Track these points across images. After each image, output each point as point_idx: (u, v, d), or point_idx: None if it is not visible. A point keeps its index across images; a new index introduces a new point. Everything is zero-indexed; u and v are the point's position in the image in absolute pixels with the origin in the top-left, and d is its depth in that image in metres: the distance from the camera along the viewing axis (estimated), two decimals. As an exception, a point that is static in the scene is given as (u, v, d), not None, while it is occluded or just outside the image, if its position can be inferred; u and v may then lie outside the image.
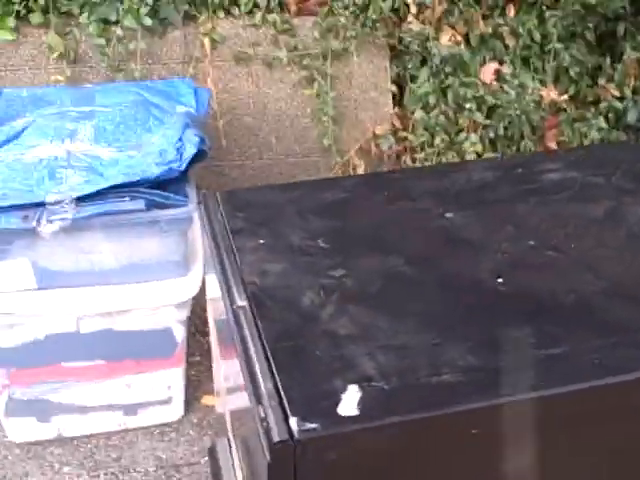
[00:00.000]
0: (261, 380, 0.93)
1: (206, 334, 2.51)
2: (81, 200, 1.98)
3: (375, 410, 0.90)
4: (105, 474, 2.28)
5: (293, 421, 0.87)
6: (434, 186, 1.34)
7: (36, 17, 2.78)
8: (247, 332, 1.01)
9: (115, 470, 2.28)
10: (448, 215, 1.24)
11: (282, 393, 0.92)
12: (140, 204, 2.01)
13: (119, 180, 2.00)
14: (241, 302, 1.00)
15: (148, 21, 2.82)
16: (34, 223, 1.94)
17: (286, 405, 0.90)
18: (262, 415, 0.88)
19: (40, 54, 2.84)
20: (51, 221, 1.96)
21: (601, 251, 1.18)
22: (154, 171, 2.04)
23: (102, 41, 2.80)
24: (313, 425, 0.86)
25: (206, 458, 2.19)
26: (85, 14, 2.78)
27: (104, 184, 1.99)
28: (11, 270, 2.09)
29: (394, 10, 3.09)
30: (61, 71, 2.83)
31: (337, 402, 0.90)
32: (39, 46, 2.83)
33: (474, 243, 1.18)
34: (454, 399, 0.91)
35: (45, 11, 2.79)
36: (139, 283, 2.15)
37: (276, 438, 0.85)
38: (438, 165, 2.83)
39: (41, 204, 1.98)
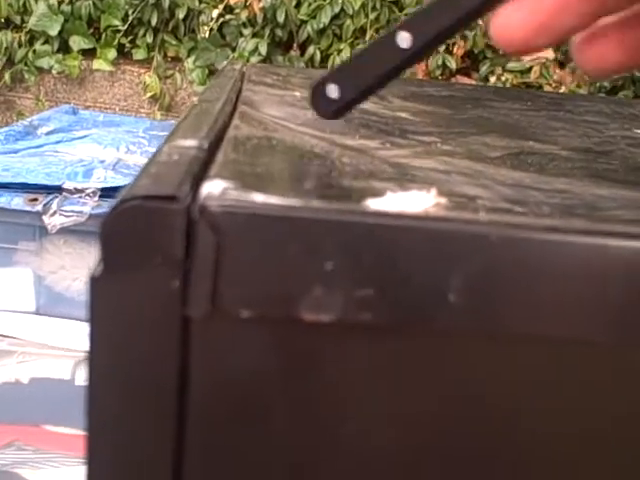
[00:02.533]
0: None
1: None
2: (107, 195, 1.54)
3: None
4: None
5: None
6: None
7: (140, 54, 2.50)
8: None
9: None
10: None
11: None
12: None
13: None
14: (189, 142, 0.43)
15: (258, 73, 2.47)
16: (40, 207, 1.50)
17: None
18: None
19: (134, 94, 2.53)
20: (64, 212, 1.51)
21: None
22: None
23: (203, 89, 2.46)
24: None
25: None
26: (191, 58, 2.48)
27: (141, 180, 1.55)
28: (10, 282, 1.65)
29: None
30: (152, 116, 2.50)
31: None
32: (135, 86, 2.53)
33: None
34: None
35: (150, 49, 2.51)
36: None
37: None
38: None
39: (56, 190, 1.54)
